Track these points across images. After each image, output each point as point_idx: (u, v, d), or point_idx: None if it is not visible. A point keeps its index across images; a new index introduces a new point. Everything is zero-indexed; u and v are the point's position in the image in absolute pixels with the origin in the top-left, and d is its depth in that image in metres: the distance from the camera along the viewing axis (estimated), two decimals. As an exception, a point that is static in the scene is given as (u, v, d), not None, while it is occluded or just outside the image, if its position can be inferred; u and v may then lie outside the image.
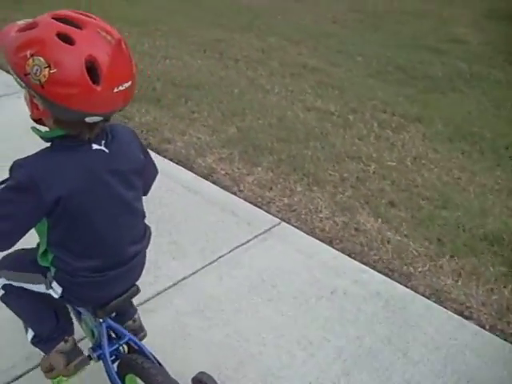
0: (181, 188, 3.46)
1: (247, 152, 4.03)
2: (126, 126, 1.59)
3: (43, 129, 1.39)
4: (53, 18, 1.23)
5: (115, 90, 1.23)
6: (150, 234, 1.66)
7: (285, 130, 4.46)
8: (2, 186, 1.36)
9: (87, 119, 1.27)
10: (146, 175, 1.59)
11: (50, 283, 1.55)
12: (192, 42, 6.54)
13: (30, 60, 1.18)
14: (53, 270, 1.52)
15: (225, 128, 4.42)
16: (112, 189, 1.42)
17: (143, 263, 1.66)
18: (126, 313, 1.84)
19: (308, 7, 8.77)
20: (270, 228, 3.13)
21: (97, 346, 1.71)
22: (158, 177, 1.75)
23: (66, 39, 1.19)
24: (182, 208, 3.27)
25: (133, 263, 1.56)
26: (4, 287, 1.72)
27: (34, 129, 1.36)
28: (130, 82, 1.27)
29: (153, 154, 1.75)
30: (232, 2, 8.59)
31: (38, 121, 1.37)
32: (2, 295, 1.74)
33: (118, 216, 1.47)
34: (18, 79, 1.24)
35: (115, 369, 1.70)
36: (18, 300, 1.71)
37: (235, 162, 3.89)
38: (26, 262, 1.63)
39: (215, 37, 6.77)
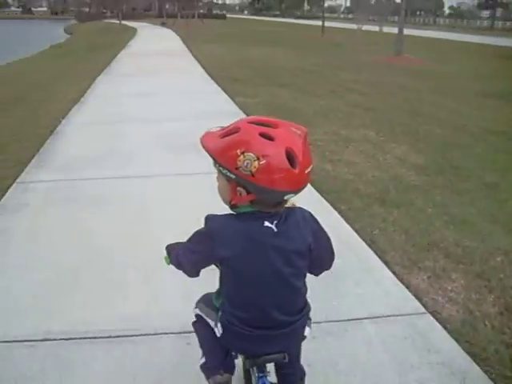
0: None
1: None
2: (304, 209, 1.79)
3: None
4: (250, 123, 1.60)
5: (306, 171, 1.58)
6: (309, 310, 1.87)
7: None
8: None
9: (286, 197, 1.61)
10: (316, 258, 1.77)
11: (216, 322, 1.85)
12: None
13: (241, 156, 1.53)
14: (220, 312, 1.83)
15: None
16: (270, 262, 1.66)
17: (298, 335, 1.84)
18: (288, 373, 2.00)
19: None
20: None
21: None
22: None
23: (268, 137, 1.54)
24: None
25: (283, 332, 1.76)
26: (197, 316, 2.07)
27: None
28: (311, 166, 1.61)
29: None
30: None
31: (232, 205, 1.69)
32: (194, 322, 2.10)
33: (272, 286, 1.70)
34: (228, 172, 1.57)
35: None
36: (202, 330, 2.01)
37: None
38: (210, 299, 1.96)
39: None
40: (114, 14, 60.68)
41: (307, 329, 1.85)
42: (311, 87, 11.67)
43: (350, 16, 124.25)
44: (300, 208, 1.79)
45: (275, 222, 1.65)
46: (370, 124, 8.02)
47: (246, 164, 1.52)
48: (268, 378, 1.91)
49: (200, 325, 2.04)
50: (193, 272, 1.83)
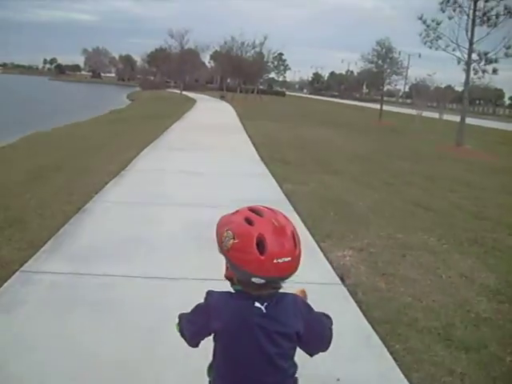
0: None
1: None
2: (296, 296, 1.90)
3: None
4: (248, 210, 1.79)
5: (274, 261, 1.69)
6: None
7: None
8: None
9: (253, 279, 1.73)
10: (307, 343, 1.87)
11: None
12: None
13: (225, 233, 1.75)
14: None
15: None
16: (257, 341, 1.78)
17: None
18: None
19: None
20: None
21: None
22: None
23: (249, 222, 1.72)
24: None
25: None
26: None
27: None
28: (289, 258, 1.71)
29: None
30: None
31: (228, 278, 1.87)
32: None
33: (256, 363, 1.80)
34: (218, 245, 1.80)
35: None
36: None
37: None
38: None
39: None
40: (177, 83, 62.58)
41: None
42: (366, 177, 10.92)
43: (408, 101, 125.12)
44: (293, 294, 1.89)
45: (265, 304, 1.78)
46: (430, 227, 7.11)
47: (226, 240, 1.74)
48: None
49: None
50: (192, 342, 1.97)
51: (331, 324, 1.97)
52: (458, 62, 20.59)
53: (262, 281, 1.72)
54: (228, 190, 8.24)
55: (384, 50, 34.00)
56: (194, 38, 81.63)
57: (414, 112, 34.64)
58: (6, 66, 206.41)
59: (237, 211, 1.81)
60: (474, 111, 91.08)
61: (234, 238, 1.71)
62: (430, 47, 20.66)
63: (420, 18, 20.05)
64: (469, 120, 38.93)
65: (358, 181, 10.31)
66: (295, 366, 1.90)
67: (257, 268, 1.69)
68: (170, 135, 16.14)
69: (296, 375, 1.91)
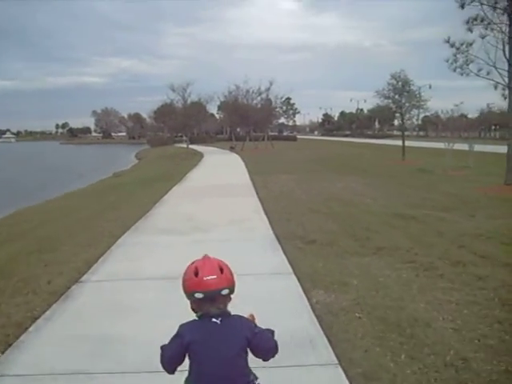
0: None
1: None
2: (241, 316, 2.70)
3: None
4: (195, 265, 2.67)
5: (204, 279, 2.55)
6: None
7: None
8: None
9: (196, 295, 2.57)
10: (256, 346, 2.64)
11: None
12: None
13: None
14: None
15: None
16: (217, 345, 2.54)
17: None
18: None
19: None
20: None
21: None
22: None
23: (193, 263, 2.68)
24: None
25: None
26: None
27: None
28: (214, 276, 2.56)
29: None
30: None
31: (192, 309, 2.69)
32: None
33: (218, 364, 2.54)
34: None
35: None
36: None
37: None
38: None
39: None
40: (188, 137, 60.35)
41: None
42: (422, 253, 7.82)
43: (422, 133, 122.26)
44: (240, 315, 2.69)
45: (220, 318, 2.60)
46: None
47: (182, 282, 2.67)
48: None
49: None
50: (170, 367, 2.66)
51: (273, 336, 2.74)
52: (495, 87, 17.66)
53: (201, 295, 2.56)
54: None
55: (400, 83, 31.25)
56: (198, 90, 79.72)
57: (434, 145, 31.61)
58: (19, 134, 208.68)
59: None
60: (488, 137, 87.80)
61: (184, 276, 2.65)
62: (461, 74, 17.75)
63: (447, 41, 17.19)
64: (490, 148, 35.88)
65: (415, 263, 7.22)
66: (249, 372, 2.68)
67: (195, 285, 2.56)
68: (163, 208, 13.18)
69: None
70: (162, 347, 2.65)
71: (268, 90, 54.84)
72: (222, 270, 2.59)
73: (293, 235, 9.11)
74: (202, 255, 2.68)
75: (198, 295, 2.55)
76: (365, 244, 8.52)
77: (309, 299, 5.73)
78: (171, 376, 2.70)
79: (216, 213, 12.05)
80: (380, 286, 6.28)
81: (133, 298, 6.00)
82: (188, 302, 2.68)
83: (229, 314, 2.65)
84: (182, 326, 2.64)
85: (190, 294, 2.59)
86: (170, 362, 2.63)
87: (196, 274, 2.56)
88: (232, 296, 2.67)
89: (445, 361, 4.27)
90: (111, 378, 4.14)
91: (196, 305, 2.63)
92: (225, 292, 2.58)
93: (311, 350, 4.42)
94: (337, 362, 4.20)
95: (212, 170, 27.56)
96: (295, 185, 17.63)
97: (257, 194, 15.53)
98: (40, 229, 11.18)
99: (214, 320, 2.58)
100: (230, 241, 8.90)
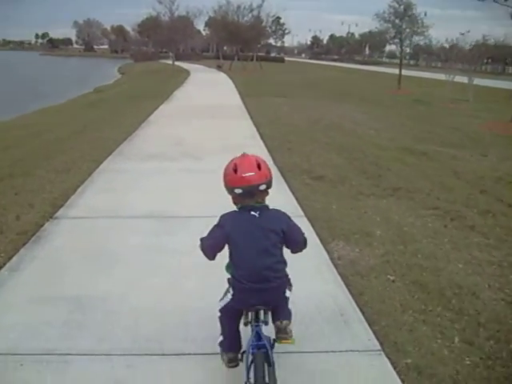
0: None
1: None
2: (278, 209, 2.86)
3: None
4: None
5: (243, 175, 2.67)
6: (289, 279, 2.86)
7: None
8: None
9: (235, 191, 2.71)
10: (289, 238, 2.80)
11: (229, 289, 2.83)
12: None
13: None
14: (231, 279, 2.82)
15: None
16: (255, 235, 2.70)
17: (279, 292, 2.79)
18: (278, 314, 2.83)
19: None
20: None
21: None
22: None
23: (232, 160, 2.80)
24: None
25: (269, 287, 2.70)
26: (219, 311, 2.93)
27: None
28: (253, 173, 2.68)
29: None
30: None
31: (233, 202, 2.84)
32: (219, 316, 2.93)
33: (257, 253, 2.69)
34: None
35: (249, 357, 2.71)
36: (224, 320, 2.92)
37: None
38: (224, 291, 2.90)
39: None
40: (173, 53, 57.51)
41: (288, 291, 2.82)
42: (444, 198, 6.95)
43: (412, 62, 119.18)
44: (276, 209, 2.85)
45: (258, 212, 2.73)
46: None
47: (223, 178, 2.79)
48: (262, 327, 2.76)
49: (222, 317, 2.91)
50: (210, 254, 2.80)
51: (303, 234, 2.90)
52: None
53: (240, 190, 2.69)
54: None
55: (402, 7, 29.44)
56: (186, 3, 75.66)
57: (426, 75, 30.28)
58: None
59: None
60: (480, 71, 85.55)
61: (224, 171, 2.77)
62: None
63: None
64: (486, 82, 34.64)
65: (444, 216, 6.32)
66: (285, 261, 2.81)
67: (235, 182, 2.69)
68: (150, 129, 12.02)
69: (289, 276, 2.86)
70: (202, 238, 2.82)
71: (260, 6, 52.06)
72: (259, 167, 2.71)
73: (297, 168, 8.13)
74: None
75: (238, 191, 2.70)
76: (379, 183, 7.59)
77: (329, 252, 4.83)
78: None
79: (208, 137, 10.95)
80: (407, 238, 5.39)
81: (116, 242, 5.03)
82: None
83: (267, 207, 2.80)
84: (223, 217, 2.81)
85: (230, 189, 2.75)
86: (210, 249, 2.80)
87: (235, 171, 2.70)
88: (269, 191, 2.78)
89: (508, 349, 3.43)
90: (90, 361, 3.22)
91: (236, 199, 2.79)
92: (262, 187, 2.72)
93: (344, 327, 3.53)
94: (379, 347, 3.33)
95: (200, 89, 26.01)
96: (290, 110, 16.45)
97: (251, 117, 14.36)
98: (13, 150, 9.99)
99: (252, 213, 2.73)
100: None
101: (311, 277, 4.26)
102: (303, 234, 2.88)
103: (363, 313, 3.74)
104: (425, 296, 4.08)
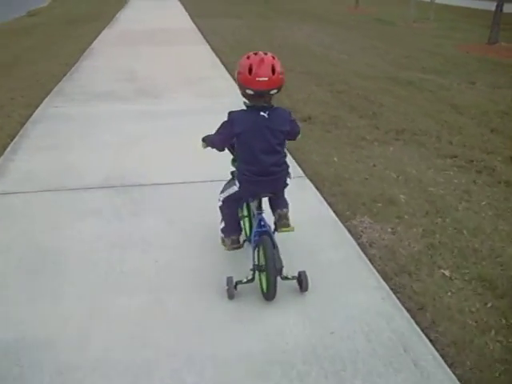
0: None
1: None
2: (285, 108, 2.92)
3: None
4: (253, 52, 2.76)
5: (257, 79, 2.67)
6: (288, 167, 2.98)
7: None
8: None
9: (247, 90, 2.74)
10: (290, 132, 2.92)
11: (235, 182, 2.97)
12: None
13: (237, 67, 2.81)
14: (236, 172, 2.99)
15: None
16: (264, 135, 2.79)
17: (281, 181, 2.96)
18: (279, 204, 3.08)
19: None
20: None
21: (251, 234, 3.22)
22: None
23: (248, 57, 2.74)
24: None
25: (273, 178, 2.89)
26: (222, 201, 3.10)
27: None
28: (266, 78, 2.67)
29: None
30: None
31: (243, 96, 2.85)
32: (220, 206, 3.13)
33: (265, 149, 2.80)
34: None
35: (254, 243, 2.96)
36: (225, 209, 3.12)
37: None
38: (228, 182, 3.12)
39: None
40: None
41: (288, 179, 2.99)
42: (457, 142, 5.89)
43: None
44: (281, 107, 2.89)
45: (267, 112, 2.78)
46: None
47: (236, 71, 2.77)
48: (263, 214, 2.99)
49: (223, 206, 3.11)
50: (220, 147, 3.02)
51: (299, 126, 3.05)
52: None
53: (252, 92, 2.73)
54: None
55: None
56: None
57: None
58: None
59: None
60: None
61: (239, 68, 2.74)
62: None
63: None
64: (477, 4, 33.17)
65: (467, 167, 5.21)
66: (285, 153, 2.96)
67: (248, 82, 2.70)
68: (93, 60, 10.25)
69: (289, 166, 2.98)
70: (206, 137, 3.07)
71: None
72: (273, 71, 2.70)
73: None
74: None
75: (249, 91, 2.75)
76: (376, 124, 6.40)
77: (353, 235, 3.63)
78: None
79: (164, 68, 9.37)
80: (439, 204, 4.26)
81: (62, 235, 3.69)
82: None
83: (273, 106, 2.85)
84: (233, 115, 2.84)
85: (242, 87, 2.78)
86: (220, 143, 2.99)
87: (250, 72, 2.69)
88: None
89: None
90: None
91: (245, 96, 2.83)
92: (273, 92, 2.77)
93: (413, 369, 2.39)
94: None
95: (145, 10, 23.47)
96: (250, 32, 14.79)
97: (207, 42, 12.70)
98: None
99: (261, 114, 2.79)
100: (193, 113, 6.50)
101: (342, 282, 3.06)
102: (298, 126, 3.06)
103: (437, 349, 2.58)
104: (499, 302, 2.98)
